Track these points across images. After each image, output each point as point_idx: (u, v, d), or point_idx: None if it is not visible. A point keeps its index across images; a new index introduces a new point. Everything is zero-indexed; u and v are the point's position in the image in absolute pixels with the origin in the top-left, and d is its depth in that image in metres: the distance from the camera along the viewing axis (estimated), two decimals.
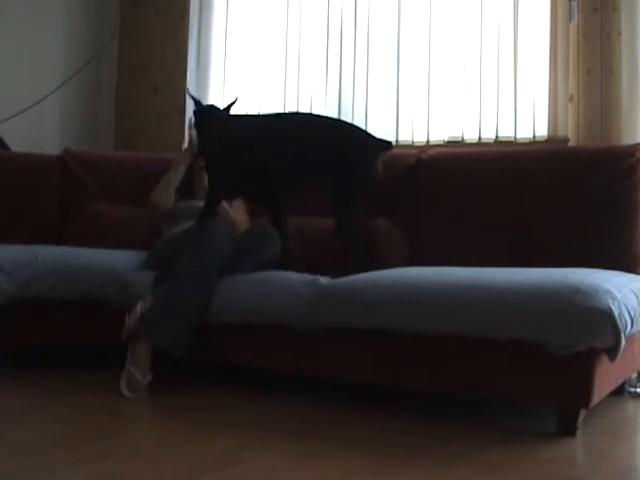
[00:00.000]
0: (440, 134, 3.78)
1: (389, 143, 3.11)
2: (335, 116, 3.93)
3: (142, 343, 2.82)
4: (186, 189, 3.57)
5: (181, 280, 2.85)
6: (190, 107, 4.29)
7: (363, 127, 3.55)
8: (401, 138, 3.83)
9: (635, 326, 2.43)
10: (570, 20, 3.44)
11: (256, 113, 3.41)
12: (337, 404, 2.76)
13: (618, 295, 2.32)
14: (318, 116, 3.43)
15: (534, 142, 3.54)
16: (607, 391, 2.55)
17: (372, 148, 3.05)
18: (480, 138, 3.68)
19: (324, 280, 2.82)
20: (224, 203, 3.32)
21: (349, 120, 3.79)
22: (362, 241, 3.02)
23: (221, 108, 3.22)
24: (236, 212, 3.43)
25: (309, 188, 3.18)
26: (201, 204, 3.39)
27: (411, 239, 3.26)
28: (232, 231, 3.15)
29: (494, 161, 3.29)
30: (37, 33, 4.38)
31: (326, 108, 4.06)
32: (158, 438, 2.34)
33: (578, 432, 2.37)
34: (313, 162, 3.04)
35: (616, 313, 2.26)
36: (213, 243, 2.92)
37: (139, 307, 2.88)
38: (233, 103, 3.20)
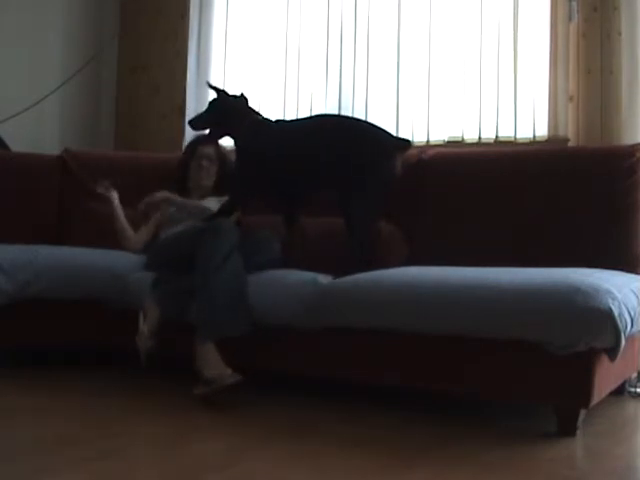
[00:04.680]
0: (440, 134, 3.78)
1: (407, 142, 3.12)
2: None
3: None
4: (182, 187, 3.58)
5: (210, 274, 2.82)
6: (190, 106, 4.33)
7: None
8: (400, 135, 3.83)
9: (635, 326, 2.43)
10: (570, 20, 3.44)
11: (281, 119, 3.45)
12: (337, 404, 2.76)
13: (618, 295, 2.32)
14: (337, 116, 3.48)
15: (534, 142, 3.54)
16: (607, 391, 2.55)
17: (388, 148, 3.05)
18: (480, 138, 3.68)
19: (324, 280, 2.82)
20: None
21: None
22: (372, 242, 3.02)
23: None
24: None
25: (327, 190, 3.18)
26: (195, 203, 3.45)
27: (411, 239, 3.26)
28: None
29: (494, 161, 3.29)
30: (37, 33, 4.38)
31: (326, 108, 4.06)
32: (158, 438, 2.34)
33: (578, 432, 2.37)
34: (329, 164, 3.05)
35: (616, 313, 2.26)
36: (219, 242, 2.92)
37: (141, 324, 2.89)
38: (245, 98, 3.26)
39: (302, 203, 3.29)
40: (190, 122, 3.41)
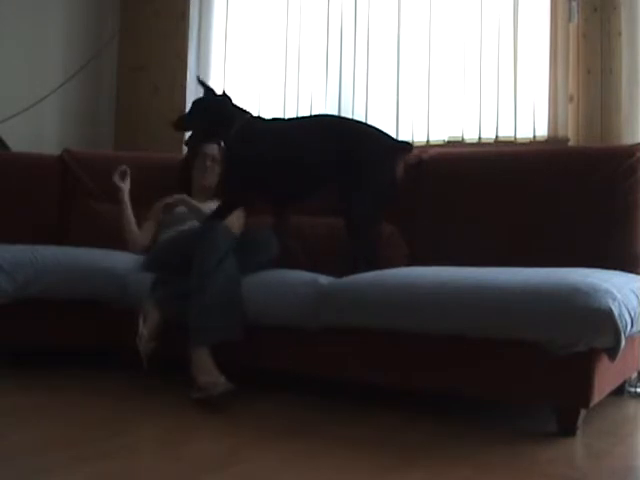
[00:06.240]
0: (440, 134, 3.78)
1: (408, 144, 3.12)
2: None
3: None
4: (184, 187, 3.57)
5: (203, 279, 2.82)
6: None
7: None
8: (401, 138, 3.82)
9: (635, 326, 2.42)
10: (570, 20, 3.44)
11: (277, 117, 3.41)
12: (337, 404, 2.76)
13: (618, 295, 2.32)
14: (337, 118, 3.47)
15: (534, 142, 3.54)
16: (607, 391, 2.55)
17: (389, 151, 3.05)
18: (480, 138, 3.68)
19: (324, 280, 2.82)
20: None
21: None
22: (374, 244, 3.02)
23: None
24: (234, 216, 3.42)
25: (327, 191, 3.17)
26: (206, 209, 3.38)
27: (411, 239, 3.26)
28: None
29: (494, 161, 3.29)
30: (37, 33, 4.38)
31: (326, 108, 4.06)
32: (158, 438, 2.34)
33: (578, 432, 2.37)
34: (330, 166, 3.04)
35: (616, 313, 2.26)
36: (211, 245, 2.90)
37: (142, 328, 2.89)
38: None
39: (295, 205, 3.26)
40: (175, 123, 3.35)
